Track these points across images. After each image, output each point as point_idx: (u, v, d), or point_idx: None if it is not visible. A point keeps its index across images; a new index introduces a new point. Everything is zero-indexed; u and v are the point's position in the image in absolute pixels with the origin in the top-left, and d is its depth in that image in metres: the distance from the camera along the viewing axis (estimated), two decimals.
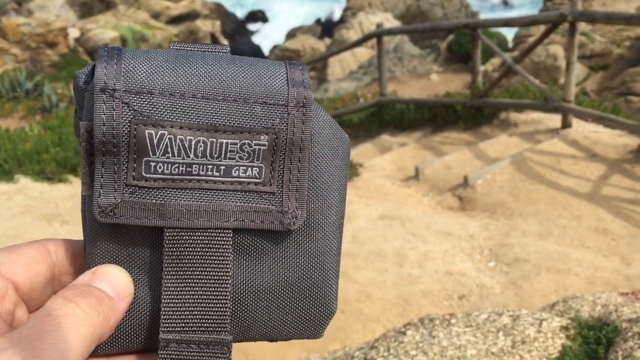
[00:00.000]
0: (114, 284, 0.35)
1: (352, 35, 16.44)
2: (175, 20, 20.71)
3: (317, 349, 2.87)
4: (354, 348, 2.11)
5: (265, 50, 24.18)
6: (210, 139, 0.36)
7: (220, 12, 24.57)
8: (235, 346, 2.94)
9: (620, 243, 3.95)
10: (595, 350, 1.78)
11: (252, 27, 29.80)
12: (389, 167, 6.22)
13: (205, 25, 20.26)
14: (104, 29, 17.35)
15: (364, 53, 15.27)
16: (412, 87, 11.53)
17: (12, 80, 12.00)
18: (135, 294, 0.37)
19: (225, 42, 21.55)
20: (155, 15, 20.23)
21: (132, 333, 0.37)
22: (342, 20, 19.96)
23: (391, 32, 9.01)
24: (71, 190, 5.73)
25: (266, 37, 28.01)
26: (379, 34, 8.15)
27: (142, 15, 19.50)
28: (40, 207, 5.21)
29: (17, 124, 9.97)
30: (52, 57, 15.57)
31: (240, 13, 29.98)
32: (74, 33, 17.05)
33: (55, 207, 5.21)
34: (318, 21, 27.32)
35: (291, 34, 22.97)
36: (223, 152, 0.36)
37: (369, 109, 8.47)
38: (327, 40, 20.11)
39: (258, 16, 31.09)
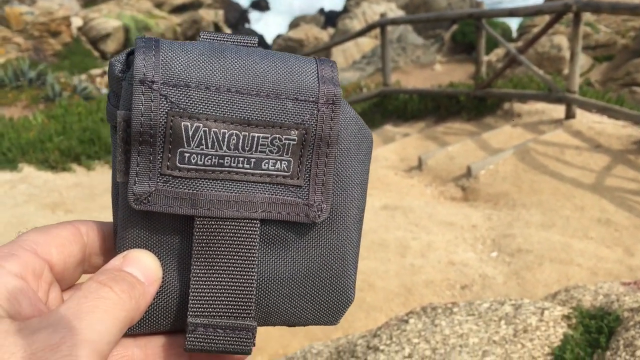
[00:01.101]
0: (144, 269, 0.37)
1: (356, 25, 16.38)
2: (179, 9, 20.65)
3: (320, 337, 2.89)
4: (356, 336, 2.12)
5: (269, 39, 24.10)
6: (242, 133, 0.36)
7: (224, 1, 24.48)
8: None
9: (623, 234, 3.95)
10: (597, 339, 1.78)
11: (255, 15, 29.69)
12: (392, 158, 6.21)
13: (209, 15, 20.21)
14: (107, 18, 17.31)
15: (367, 43, 15.22)
16: (416, 77, 11.50)
17: (15, 69, 12.00)
18: (163, 278, 0.38)
19: (228, 31, 21.48)
20: (159, 5, 20.17)
21: (159, 316, 0.39)
22: (346, 10, 19.86)
23: (395, 21, 8.96)
24: (75, 179, 5.75)
25: (268, 25, 27.89)
26: (383, 24, 8.12)
27: (145, 4, 19.44)
28: (44, 195, 5.23)
29: (20, 113, 9.98)
30: (55, 46, 15.56)
31: (244, 1, 29.85)
32: (76, 22, 17.02)
33: (59, 196, 5.23)
34: (321, 11, 27.20)
35: (294, 24, 22.89)
36: (254, 145, 0.37)
37: (372, 99, 8.45)
38: (331, 30, 20.05)
39: (261, 5, 30.97)
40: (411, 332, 1.95)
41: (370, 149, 0.42)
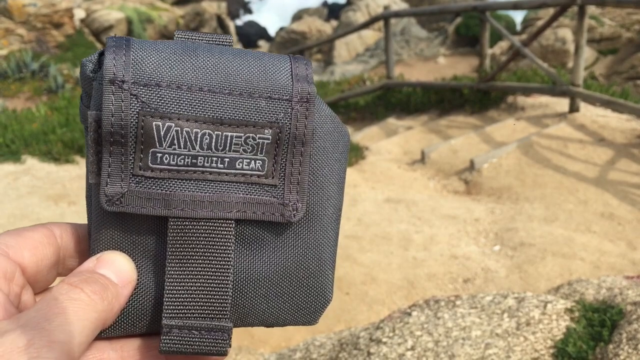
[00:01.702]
0: (117, 271, 0.36)
1: (359, 17, 16.32)
2: (182, 1, 20.60)
3: (322, 330, 2.90)
4: (359, 328, 2.13)
5: (272, 31, 24.04)
6: (215, 132, 0.36)
7: None
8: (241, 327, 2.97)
9: (626, 228, 3.95)
10: (600, 333, 1.79)
11: (255, 6, 29.65)
12: (395, 151, 6.21)
13: (211, 7, 20.15)
14: (110, 10, 17.28)
15: (371, 36, 15.17)
16: (419, 70, 11.47)
17: (18, 60, 12.00)
18: (138, 279, 0.38)
19: (231, 23, 21.43)
20: None
21: (135, 318, 0.38)
22: (349, 2, 19.79)
23: (398, 14, 8.93)
24: (78, 171, 5.76)
25: (270, 17, 27.81)
26: (386, 17, 8.09)
27: None
28: (47, 187, 5.24)
29: (23, 105, 9.99)
30: (58, 37, 15.54)
31: None
32: (79, 14, 17.00)
33: (62, 188, 5.24)
34: (325, 3, 27.11)
35: (297, 16, 22.83)
36: (228, 144, 0.37)
37: (376, 92, 8.44)
38: (334, 23, 19.98)
39: None
40: (414, 324, 1.95)
41: (346, 147, 0.42)
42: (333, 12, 23.77)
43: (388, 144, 6.36)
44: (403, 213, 4.48)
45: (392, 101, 8.17)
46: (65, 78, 11.48)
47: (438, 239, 4.02)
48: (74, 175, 5.61)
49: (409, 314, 2.03)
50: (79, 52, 15.25)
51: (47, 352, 0.29)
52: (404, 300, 3.30)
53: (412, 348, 1.85)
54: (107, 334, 0.37)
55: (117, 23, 16.98)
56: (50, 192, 5.11)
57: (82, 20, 16.95)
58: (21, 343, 0.29)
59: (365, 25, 9.06)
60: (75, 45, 15.66)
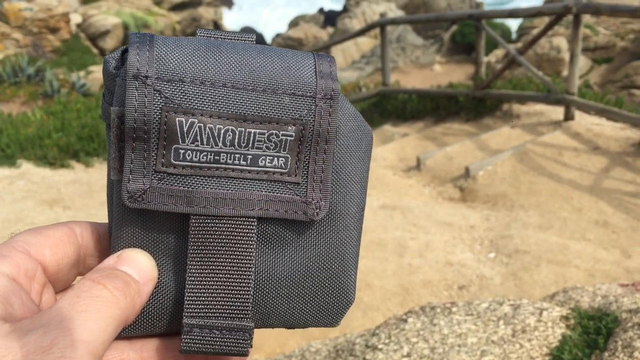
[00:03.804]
0: (138, 268, 0.36)
1: (355, 24, 16.38)
2: (178, 7, 20.63)
3: (317, 337, 2.89)
4: (355, 335, 2.13)
5: (268, 38, 24.10)
6: (238, 129, 0.36)
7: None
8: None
9: (620, 236, 3.96)
10: (595, 340, 1.79)
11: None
12: (391, 157, 6.22)
13: (208, 13, 20.19)
14: (106, 15, 17.28)
15: (367, 43, 15.23)
16: (415, 78, 11.50)
17: (13, 65, 11.96)
18: (159, 278, 0.37)
19: (227, 29, 21.45)
20: (158, 2, 20.14)
21: (155, 317, 0.38)
22: (345, 9, 19.86)
23: (394, 21, 8.96)
24: (73, 175, 5.74)
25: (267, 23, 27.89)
26: (383, 24, 8.12)
27: (145, 2, 19.40)
28: (42, 192, 5.22)
29: (18, 109, 9.96)
30: (54, 42, 15.53)
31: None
32: (75, 19, 16.99)
33: (57, 192, 5.23)
34: (321, 10, 27.19)
35: (294, 23, 22.88)
36: (251, 141, 0.36)
37: (372, 99, 8.46)
38: (330, 29, 20.05)
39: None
40: (410, 331, 1.95)
41: (370, 145, 0.41)
42: (329, 19, 23.83)
43: (383, 151, 6.37)
44: (398, 220, 4.48)
45: (387, 108, 8.19)
46: (61, 83, 11.46)
47: (433, 245, 4.03)
48: (69, 180, 5.60)
49: (405, 321, 2.03)
50: (75, 57, 15.23)
51: (71, 352, 0.28)
52: (399, 306, 3.30)
53: (408, 355, 1.85)
54: (127, 333, 0.37)
55: (114, 28, 16.98)
56: (45, 197, 5.10)
57: (79, 25, 16.94)
58: (45, 343, 0.28)
59: (362, 32, 9.09)
60: (72, 50, 15.64)
